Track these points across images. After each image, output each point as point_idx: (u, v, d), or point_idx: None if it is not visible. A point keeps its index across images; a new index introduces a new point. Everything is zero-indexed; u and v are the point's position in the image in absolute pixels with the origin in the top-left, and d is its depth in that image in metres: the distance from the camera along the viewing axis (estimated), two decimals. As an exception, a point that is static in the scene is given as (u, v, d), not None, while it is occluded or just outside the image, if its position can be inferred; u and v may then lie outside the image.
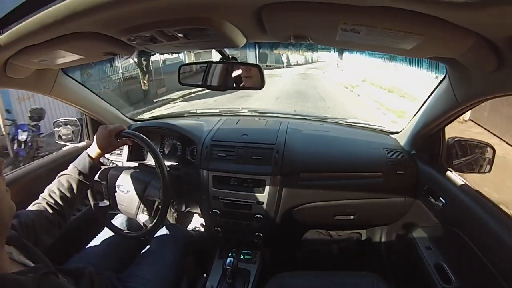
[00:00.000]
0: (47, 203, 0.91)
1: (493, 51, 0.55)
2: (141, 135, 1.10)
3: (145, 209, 1.22)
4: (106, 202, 1.22)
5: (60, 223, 0.92)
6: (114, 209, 1.25)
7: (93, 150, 1.04)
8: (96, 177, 1.13)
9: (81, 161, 1.02)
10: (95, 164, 1.04)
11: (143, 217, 1.23)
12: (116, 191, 1.23)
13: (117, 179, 1.23)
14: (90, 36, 0.64)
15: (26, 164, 1.25)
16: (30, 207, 0.89)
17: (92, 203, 1.18)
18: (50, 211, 0.90)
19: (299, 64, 26.70)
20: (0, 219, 0.55)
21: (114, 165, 1.46)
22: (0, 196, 0.56)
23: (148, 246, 1.19)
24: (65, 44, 0.66)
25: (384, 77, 10.65)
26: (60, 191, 0.94)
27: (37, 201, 0.92)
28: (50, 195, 0.92)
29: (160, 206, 1.14)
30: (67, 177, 0.97)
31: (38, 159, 2.76)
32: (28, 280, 0.54)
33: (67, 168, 1.02)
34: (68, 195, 0.95)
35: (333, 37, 0.60)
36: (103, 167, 1.20)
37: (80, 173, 0.99)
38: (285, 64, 24.57)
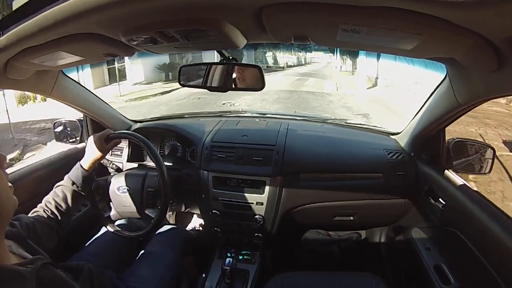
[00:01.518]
0: (44, 211, 0.94)
1: (493, 51, 0.55)
2: (128, 131, 1.10)
3: (149, 202, 1.22)
4: (109, 213, 1.23)
5: (58, 230, 0.96)
6: (119, 215, 1.26)
7: (86, 161, 1.07)
8: (95, 189, 1.15)
9: (74, 172, 1.05)
10: (88, 174, 1.06)
11: (150, 212, 1.24)
12: (115, 196, 1.23)
13: (115, 183, 1.23)
14: (90, 38, 0.64)
15: (26, 165, 1.25)
16: (30, 214, 0.92)
17: (99, 216, 1.19)
18: (48, 219, 0.93)
19: (290, 66, 20.61)
20: (2, 211, 0.56)
21: (115, 167, 1.46)
22: (4, 189, 0.57)
23: (148, 246, 1.19)
24: (65, 45, 0.66)
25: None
26: (56, 202, 0.98)
27: (35, 209, 0.95)
28: (46, 205, 0.96)
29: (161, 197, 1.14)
30: (62, 188, 1.01)
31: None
32: (27, 271, 0.56)
33: (67, 169, 1.05)
34: (63, 205, 0.98)
35: (334, 37, 0.60)
36: (98, 179, 1.21)
37: (73, 183, 1.02)
38: (272, 66, 19.21)
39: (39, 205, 0.97)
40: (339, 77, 14.19)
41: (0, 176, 0.57)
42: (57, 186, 1.02)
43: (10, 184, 0.61)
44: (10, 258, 0.60)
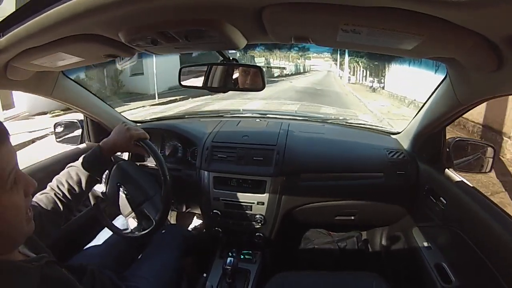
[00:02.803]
0: (55, 194, 0.89)
1: (493, 51, 0.55)
2: (157, 151, 1.08)
3: (136, 217, 1.18)
4: (102, 188, 1.17)
5: (66, 215, 0.91)
6: (109, 200, 1.21)
7: (107, 146, 1.00)
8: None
9: (92, 155, 0.98)
10: (107, 160, 1.01)
11: (131, 223, 1.21)
12: (113, 187, 1.19)
13: (123, 176, 1.18)
14: (90, 38, 0.64)
15: (27, 167, 1.24)
16: (38, 195, 0.88)
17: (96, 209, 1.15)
18: (58, 202, 0.88)
19: (287, 76, 15.94)
20: (16, 239, 0.56)
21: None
22: (23, 218, 0.56)
23: (149, 247, 1.19)
24: (65, 46, 0.66)
25: None
26: (69, 184, 0.91)
27: (45, 190, 0.90)
28: (58, 187, 0.90)
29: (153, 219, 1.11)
30: (77, 170, 0.94)
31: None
32: (32, 267, 0.56)
33: (84, 155, 0.99)
34: (76, 189, 0.92)
35: (334, 38, 0.60)
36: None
37: (90, 168, 0.95)
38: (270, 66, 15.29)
39: (49, 185, 0.91)
40: (365, 100, 8.82)
41: (19, 206, 0.54)
42: (70, 167, 0.95)
43: (31, 213, 0.59)
44: (17, 256, 0.60)
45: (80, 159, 0.97)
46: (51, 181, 0.96)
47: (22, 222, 0.55)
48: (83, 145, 1.50)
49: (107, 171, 1.16)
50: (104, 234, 1.18)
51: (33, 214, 0.60)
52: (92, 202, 1.16)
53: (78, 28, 0.59)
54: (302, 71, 18.40)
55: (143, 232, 1.14)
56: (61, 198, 0.89)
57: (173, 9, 0.54)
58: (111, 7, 0.47)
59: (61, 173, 0.94)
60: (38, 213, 0.81)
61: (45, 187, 0.94)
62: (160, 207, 1.10)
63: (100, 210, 1.16)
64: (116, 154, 1.42)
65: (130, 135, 1.02)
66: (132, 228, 1.20)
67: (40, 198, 0.87)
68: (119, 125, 1.05)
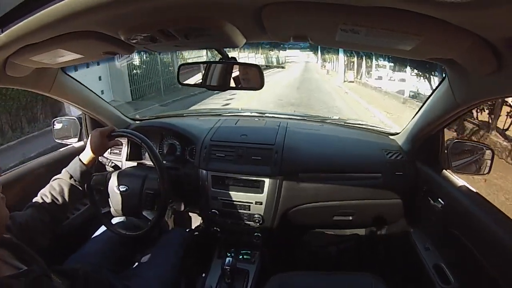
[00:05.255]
0: (40, 206, 0.92)
1: (492, 52, 0.55)
2: (131, 130, 1.11)
3: (147, 204, 1.23)
4: (108, 208, 1.23)
5: (53, 225, 0.94)
6: (116, 213, 1.25)
7: (85, 155, 1.06)
8: (93, 184, 1.16)
9: (73, 166, 1.03)
10: (87, 168, 1.05)
11: (147, 214, 1.23)
12: (114, 193, 1.22)
13: (115, 181, 1.23)
14: (90, 35, 0.64)
15: (24, 164, 1.24)
16: (24, 210, 0.91)
17: (96, 212, 1.18)
18: (43, 213, 0.91)
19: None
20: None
21: (113, 165, 1.46)
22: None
23: (147, 247, 1.18)
24: (64, 43, 0.66)
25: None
26: (52, 195, 0.96)
27: (29, 204, 0.94)
28: (42, 199, 0.95)
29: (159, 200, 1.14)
30: (59, 181, 0.99)
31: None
32: (19, 284, 0.54)
33: (65, 167, 1.04)
34: (59, 199, 0.96)
35: (333, 37, 0.60)
36: (97, 173, 1.21)
37: (71, 177, 1.01)
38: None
39: (34, 199, 0.95)
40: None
41: None
42: (54, 179, 1.01)
43: (2, 196, 0.59)
44: (4, 269, 0.58)
45: (63, 171, 1.02)
46: (48, 179, 0.99)
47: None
48: (81, 143, 1.49)
49: (107, 175, 1.24)
50: (101, 234, 1.18)
51: (5, 200, 0.61)
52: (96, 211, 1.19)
53: (78, 25, 0.59)
54: (280, 62, 14.41)
55: (142, 231, 1.14)
56: (46, 209, 0.93)
57: (173, 8, 0.54)
58: (112, 5, 0.47)
59: (45, 186, 0.99)
60: (25, 224, 0.84)
61: (43, 185, 0.97)
62: (157, 202, 1.12)
63: (99, 211, 1.17)
64: (111, 159, 1.47)
65: (101, 132, 1.08)
66: (131, 227, 1.21)
67: (26, 211, 0.91)
68: (92, 132, 1.10)
